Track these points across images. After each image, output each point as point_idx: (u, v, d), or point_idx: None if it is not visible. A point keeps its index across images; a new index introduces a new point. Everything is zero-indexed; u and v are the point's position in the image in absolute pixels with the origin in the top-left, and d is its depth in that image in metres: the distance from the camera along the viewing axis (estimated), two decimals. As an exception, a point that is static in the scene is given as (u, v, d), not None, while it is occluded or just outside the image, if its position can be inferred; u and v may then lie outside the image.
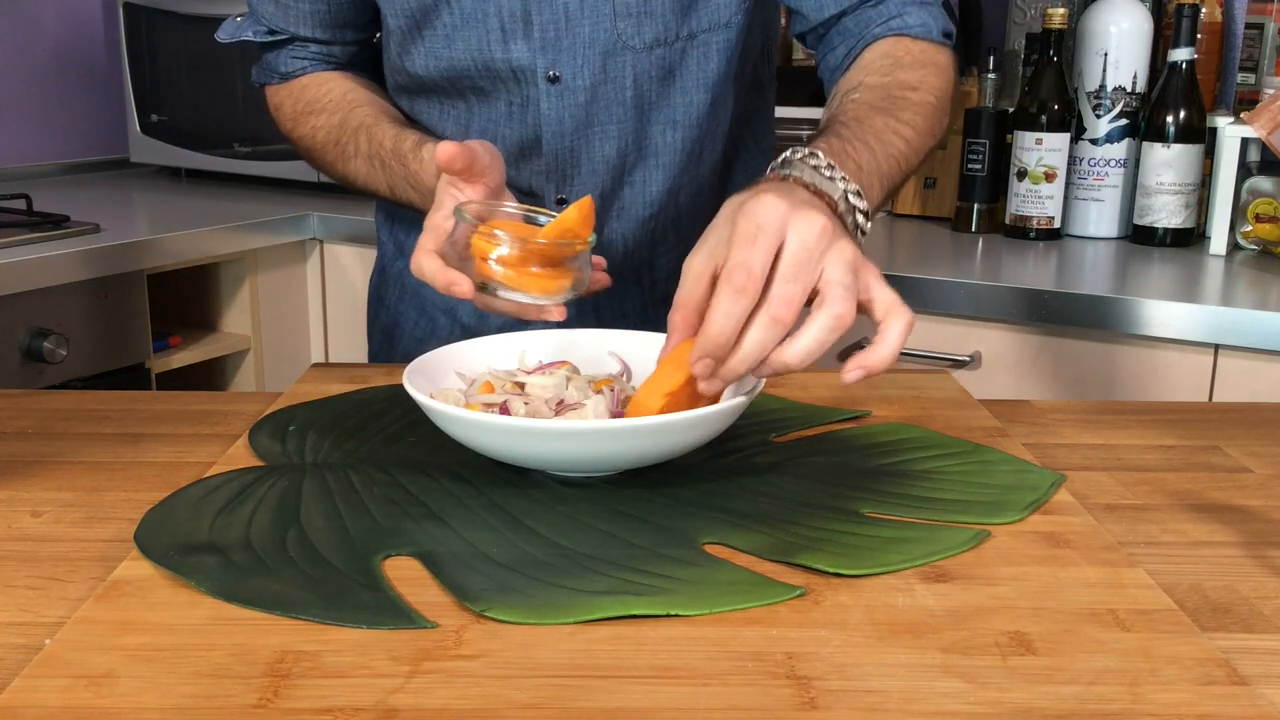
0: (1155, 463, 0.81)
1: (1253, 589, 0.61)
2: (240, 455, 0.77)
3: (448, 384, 0.79)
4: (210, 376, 1.98)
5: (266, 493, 0.69)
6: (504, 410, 0.73)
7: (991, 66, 1.78)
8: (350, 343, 2.03)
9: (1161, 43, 1.79)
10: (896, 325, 0.66)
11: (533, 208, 0.84)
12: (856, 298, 0.64)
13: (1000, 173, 1.80)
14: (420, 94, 1.04)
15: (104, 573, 0.61)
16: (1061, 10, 1.72)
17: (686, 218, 1.05)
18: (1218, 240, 1.66)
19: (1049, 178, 1.75)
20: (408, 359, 0.83)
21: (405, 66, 1.01)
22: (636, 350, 0.83)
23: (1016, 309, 1.46)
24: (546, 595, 0.57)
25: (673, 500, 0.69)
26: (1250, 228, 1.66)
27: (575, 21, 0.95)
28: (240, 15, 1.07)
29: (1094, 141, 1.76)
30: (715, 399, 0.69)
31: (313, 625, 0.54)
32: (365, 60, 1.09)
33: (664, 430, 0.67)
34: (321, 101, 1.04)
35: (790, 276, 0.63)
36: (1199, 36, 1.73)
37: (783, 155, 0.74)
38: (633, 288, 1.08)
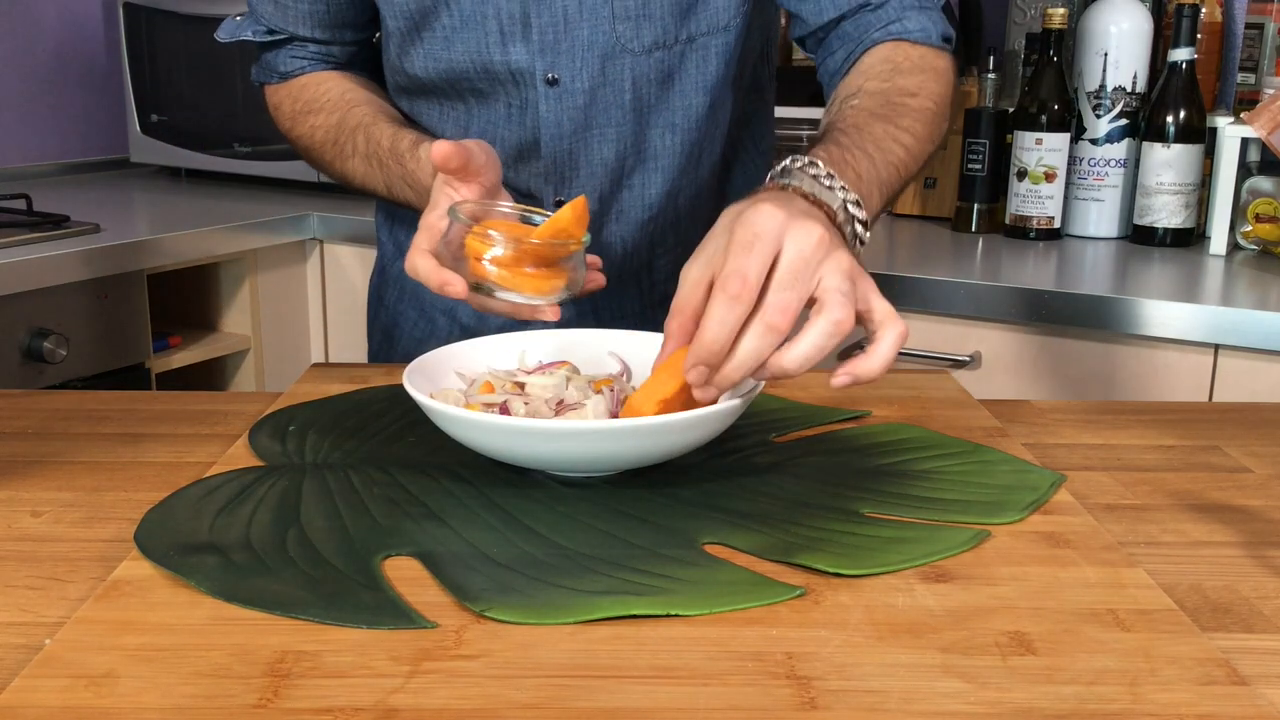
0: (1155, 463, 0.81)
1: (1253, 589, 0.61)
2: (240, 455, 0.77)
3: (448, 384, 0.79)
4: (210, 376, 1.98)
5: (266, 493, 0.69)
6: (504, 410, 0.73)
7: (991, 66, 1.78)
8: (350, 343, 2.03)
9: (1161, 43, 1.79)
10: (890, 335, 0.66)
11: (528, 208, 0.84)
12: (855, 305, 0.64)
13: (1000, 173, 1.80)
14: (419, 95, 1.04)
15: (104, 573, 0.61)
16: (1061, 10, 1.72)
17: (685, 220, 1.05)
18: (1218, 240, 1.66)
19: (1049, 178, 1.75)
20: (407, 359, 0.84)
21: (404, 68, 1.01)
22: (636, 350, 0.83)
23: (1016, 309, 1.46)
24: (546, 595, 0.57)
25: (673, 500, 0.69)
26: (1250, 228, 1.66)
27: (574, 24, 0.95)
28: (240, 15, 1.07)
29: (1094, 141, 1.76)
30: (711, 404, 0.69)
31: (313, 625, 0.54)
32: (364, 60, 1.09)
33: (664, 430, 0.67)
34: (320, 101, 1.04)
35: (786, 284, 0.63)
36: (1199, 36, 1.73)
37: (782, 164, 0.74)
38: (631, 289, 1.08)
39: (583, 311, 1.06)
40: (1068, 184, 1.77)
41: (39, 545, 0.65)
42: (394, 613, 0.55)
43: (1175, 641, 0.54)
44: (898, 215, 1.95)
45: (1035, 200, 1.76)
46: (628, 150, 1.00)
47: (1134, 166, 1.76)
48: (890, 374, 0.67)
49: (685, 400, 0.68)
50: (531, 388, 0.77)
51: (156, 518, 0.66)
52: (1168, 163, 1.69)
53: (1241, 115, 1.59)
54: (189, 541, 0.63)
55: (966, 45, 1.90)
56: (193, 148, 2.28)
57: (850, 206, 0.72)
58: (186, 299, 1.98)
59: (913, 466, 0.76)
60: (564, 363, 0.82)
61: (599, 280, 0.84)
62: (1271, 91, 1.56)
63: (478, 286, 0.77)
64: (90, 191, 2.18)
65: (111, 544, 0.65)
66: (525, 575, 0.59)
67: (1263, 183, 1.66)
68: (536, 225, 0.80)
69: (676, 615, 0.55)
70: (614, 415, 0.73)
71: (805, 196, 0.70)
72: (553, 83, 0.96)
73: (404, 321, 1.15)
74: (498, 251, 0.76)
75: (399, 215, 1.13)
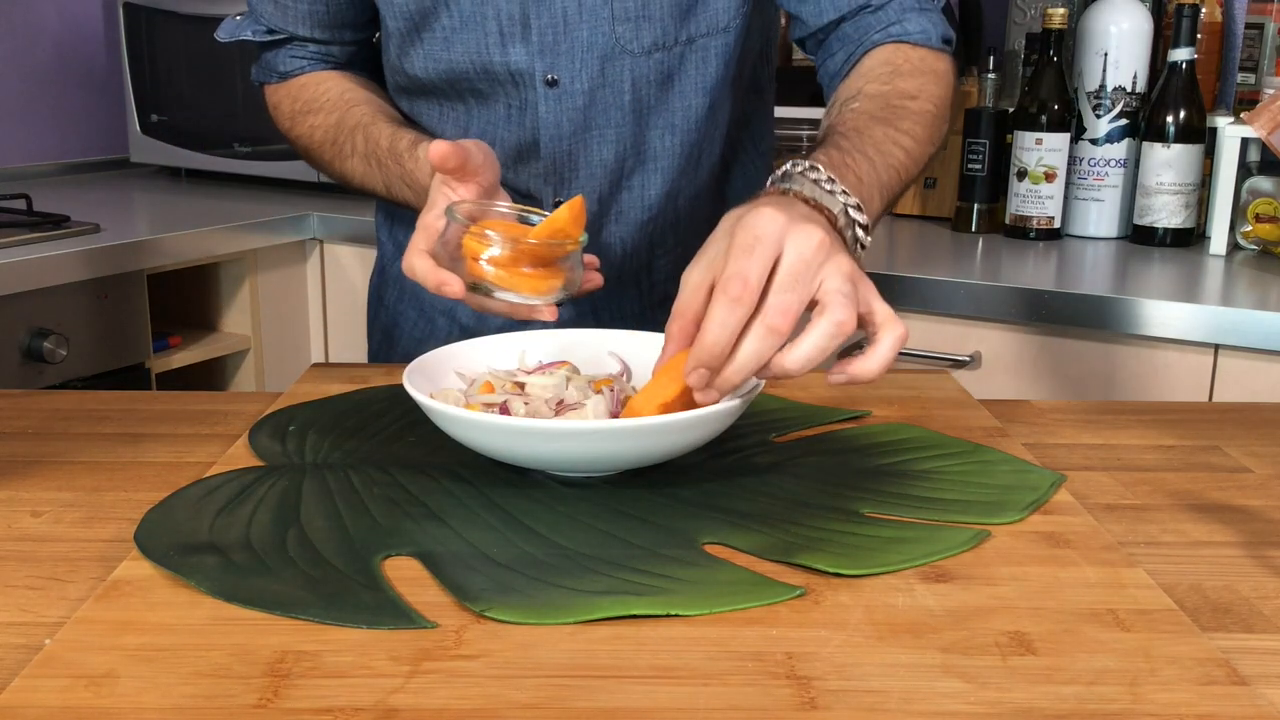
0: (1155, 463, 0.81)
1: (1253, 589, 0.61)
2: (240, 455, 0.77)
3: (448, 384, 0.79)
4: (210, 376, 1.98)
5: (266, 493, 0.69)
6: (504, 410, 0.73)
7: (991, 66, 1.78)
8: (350, 343, 2.03)
9: (1161, 43, 1.79)
10: (889, 337, 0.66)
11: (525, 208, 0.84)
12: (857, 307, 0.64)
13: (1000, 173, 1.81)
14: (419, 95, 1.04)
15: (104, 573, 0.61)
16: (1061, 10, 1.72)
17: (685, 221, 1.05)
18: (1218, 240, 1.66)
19: (1049, 178, 1.75)
20: (407, 359, 0.84)
21: (404, 68, 1.01)
22: (636, 350, 0.83)
23: (1016, 309, 1.46)
24: (546, 595, 0.57)
25: (673, 500, 0.69)
26: (1250, 228, 1.66)
27: (574, 26, 0.95)
28: (240, 14, 1.07)
29: (1094, 141, 1.76)
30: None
31: (313, 625, 0.54)
32: (364, 60, 1.09)
33: (664, 430, 0.67)
34: (319, 100, 1.04)
35: (787, 286, 0.63)
36: (1199, 36, 1.73)
37: (783, 168, 0.74)
38: (631, 290, 1.08)
39: (582, 312, 1.06)
40: (1068, 184, 1.77)
41: (39, 545, 0.65)
42: (394, 613, 0.55)
43: (1175, 641, 0.54)
44: (898, 215, 1.95)
45: (1035, 200, 1.76)
46: (627, 151, 1.00)
47: (1134, 166, 1.76)
48: (890, 374, 0.67)
49: (686, 403, 0.68)
50: (531, 388, 0.77)
51: (156, 518, 0.66)
52: (1168, 163, 1.69)
53: (1241, 115, 1.59)
54: (189, 541, 0.63)
55: (966, 45, 1.90)
56: (193, 148, 2.28)
57: (851, 211, 0.72)
58: (186, 299, 1.98)
59: (913, 466, 0.76)
60: (564, 363, 0.82)
61: (596, 280, 0.84)
62: (1271, 91, 1.56)
63: (475, 286, 0.77)
64: (90, 191, 2.18)
65: (111, 544, 0.65)
66: (525, 575, 0.59)
67: (1263, 183, 1.66)
68: (534, 225, 0.80)
69: (676, 615, 0.55)
70: (614, 415, 0.73)
71: (806, 201, 0.70)
72: (552, 84, 0.96)
73: (404, 322, 1.15)
74: (495, 252, 0.76)
75: (399, 215, 1.13)
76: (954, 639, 0.54)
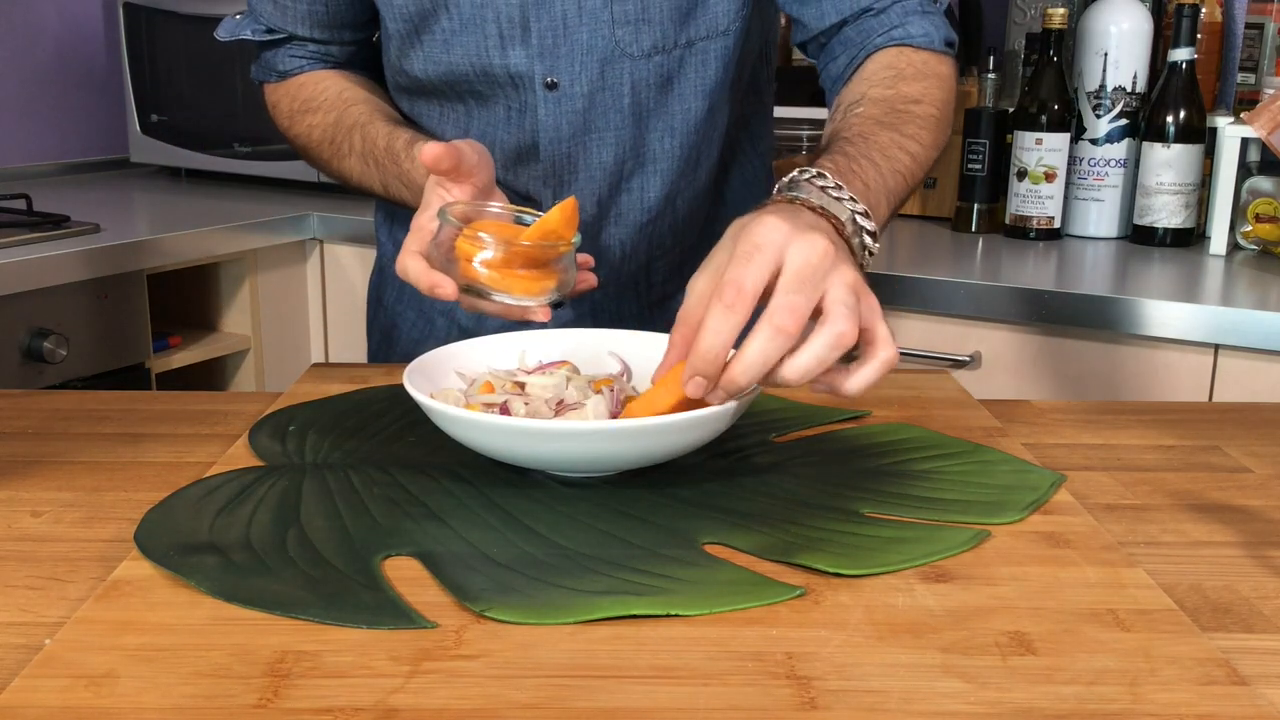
0: (1155, 463, 0.81)
1: (1253, 589, 0.61)
2: (240, 455, 0.77)
3: (448, 384, 0.79)
4: (210, 376, 1.98)
5: (266, 493, 0.69)
6: (504, 410, 0.73)
7: (991, 66, 1.78)
8: (350, 343, 2.03)
9: (1161, 43, 1.79)
10: (878, 360, 0.65)
11: (520, 208, 0.84)
12: (859, 318, 0.63)
13: (1000, 173, 1.81)
14: (420, 95, 1.04)
15: (104, 573, 0.61)
16: (1061, 10, 1.72)
17: (684, 223, 1.05)
18: (1218, 240, 1.66)
19: (1049, 178, 1.75)
20: (406, 359, 0.83)
21: (404, 69, 1.01)
22: (636, 350, 0.83)
23: (1016, 309, 1.46)
24: (546, 595, 0.57)
25: (673, 500, 0.69)
26: (1250, 228, 1.66)
27: (573, 28, 0.95)
28: (239, 13, 1.07)
29: (1094, 141, 1.76)
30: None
31: (313, 625, 0.54)
32: (363, 59, 1.09)
33: (664, 430, 0.67)
34: (317, 100, 1.04)
35: (793, 288, 0.62)
36: (1199, 36, 1.74)
37: (789, 175, 0.73)
38: (630, 292, 1.07)
39: (581, 314, 1.06)
40: (1068, 184, 1.77)
41: (39, 545, 0.65)
42: (394, 613, 0.55)
43: (1175, 641, 0.54)
44: (898, 215, 1.95)
45: (1035, 200, 1.76)
46: (626, 154, 1.00)
47: (1134, 166, 1.76)
48: (890, 374, 0.66)
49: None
50: (531, 388, 0.77)
51: (156, 518, 0.66)
52: (1168, 163, 1.69)
53: (1241, 115, 1.59)
54: (189, 541, 0.63)
55: (966, 45, 1.90)
56: (193, 148, 2.28)
57: (859, 218, 0.71)
58: (186, 299, 1.98)
59: (913, 466, 0.76)
60: (564, 363, 0.82)
61: (590, 280, 0.84)
62: (1271, 91, 1.56)
63: (468, 288, 0.77)
64: (90, 191, 2.18)
65: (111, 544, 0.65)
66: (525, 575, 0.59)
67: (1263, 183, 1.66)
68: (528, 226, 0.80)
69: (676, 615, 0.55)
70: (614, 415, 0.73)
71: (813, 209, 0.69)
72: (552, 86, 0.96)
73: (403, 322, 1.15)
74: (488, 254, 0.76)
75: (399, 215, 1.13)
76: (954, 639, 0.54)
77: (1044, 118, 1.74)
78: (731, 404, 0.68)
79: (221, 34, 1.08)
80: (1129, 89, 1.74)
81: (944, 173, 1.88)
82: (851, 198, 0.71)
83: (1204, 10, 1.75)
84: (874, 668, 0.51)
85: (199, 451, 0.80)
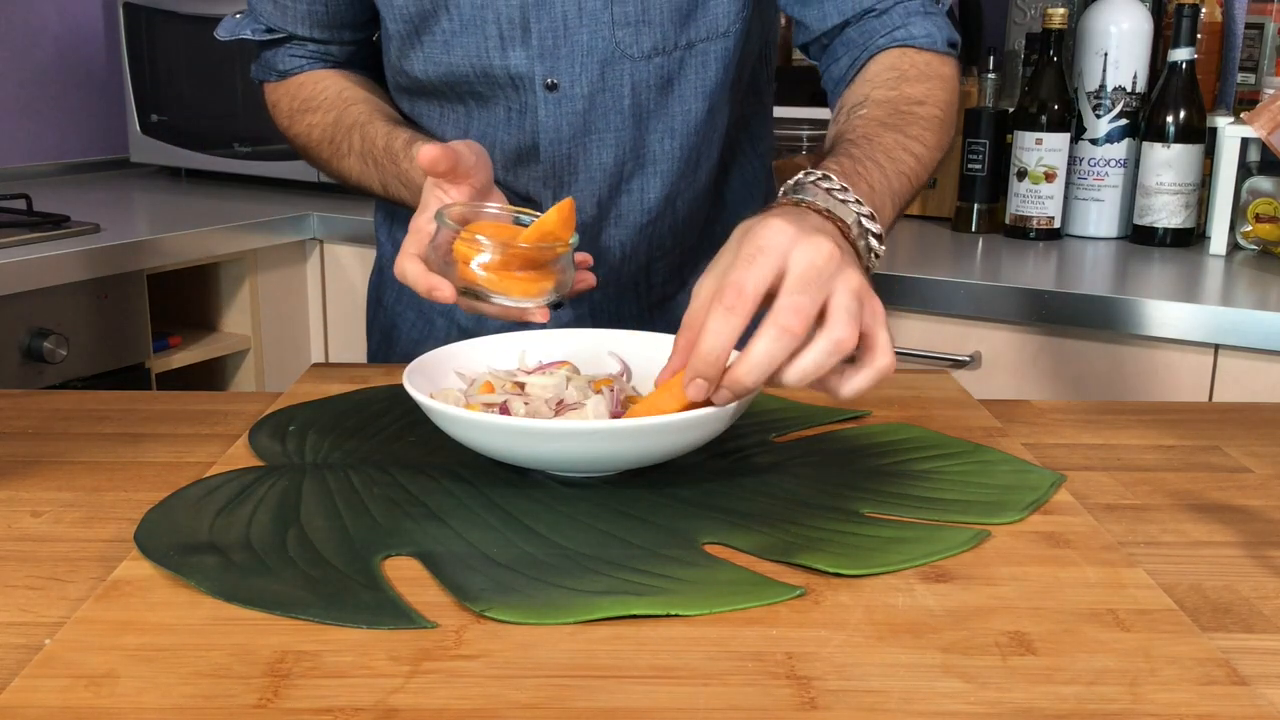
0: (1155, 463, 0.81)
1: (1253, 589, 0.61)
2: (240, 455, 0.77)
3: (448, 384, 0.79)
4: (210, 376, 1.98)
5: (266, 493, 0.69)
6: (504, 410, 0.73)
7: (991, 66, 1.78)
8: (350, 343, 2.03)
9: (1161, 43, 1.79)
10: (874, 367, 0.64)
11: (518, 209, 0.84)
12: (860, 325, 0.63)
13: (1000, 173, 1.81)
14: (420, 96, 1.04)
15: (104, 573, 0.61)
16: (1061, 10, 1.72)
17: (683, 224, 1.05)
18: (1218, 240, 1.66)
19: (1049, 178, 1.75)
20: (406, 360, 0.83)
21: (404, 69, 1.01)
22: (636, 350, 0.83)
23: (1016, 309, 1.46)
24: (546, 595, 0.57)
25: (673, 500, 0.69)
26: (1250, 228, 1.66)
27: (574, 30, 0.94)
28: (239, 13, 1.07)
29: (1094, 141, 1.76)
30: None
31: (313, 625, 0.54)
32: (363, 59, 1.09)
33: (664, 430, 0.67)
34: (317, 99, 1.04)
35: (798, 289, 0.62)
36: (1199, 36, 1.73)
37: (795, 178, 0.73)
38: (629, 294, 1.07)
39: (581, 315, 1.06)
40: (1068, 184, 1.77)
41: (39, 545, 0.65)
42: (394, 613, 0.55)
43: (1175, 641, 0.54)
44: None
45: (1035, 200, 1.76)
46: (626, 155, 1.00)
47: (1134, 166, 1.76)
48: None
49: None
50: (531, 388, 0.77)
51: (156, 518, 0.66)
52: (1168, 163, 1.69)
53: (1241, 115, 1.59)
54: (189, 541, 0.63)
55: (966, 45, 1.90)
56: (193, 148, 2.28)
57: (864, 221, 0.71)
58: (186, 299, 1.98)
59: (913, 466, 0.76)
60: (564, 363, 0.82)
61: (589, 280, 0.84)
62: (1271, 91, 1.56)
63: (466, 290, 0.77)
64: (90, 191, 2.18)
65: (111, 544, 0.65)
66: (525, 575, 0.59)
67: (1263, 183, 1.66)
68: (526, 226, 0.80)
69: (676, 615, 0.55)
70: (614, 415, 0.73)
71: (819, 211, 0.69)
72: (552, 88, 0.96)
73: (402, 323, 1.15)
74: (485, 256, 0.76)
75: (398, 215, 1.13)
76: (954, 639, 0.54)
77: (1044, 118, 1.74)
78: (732, 404, 0.68)
79: (221, 33, 1.08)
80: (1129, 89, 1.74)
81: (944, 173, 1.88)
82: (857, 200, 0.71)
83: (1204, 10, 1.75)
84: (874, 668, 0.51)
85: (199, 451, 0.80)
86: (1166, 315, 1.38)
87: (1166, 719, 0.47)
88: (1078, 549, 0.64)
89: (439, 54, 0.97)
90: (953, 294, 1.49)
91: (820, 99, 0.97)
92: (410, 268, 0.79)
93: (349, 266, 1.99)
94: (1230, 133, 1.62)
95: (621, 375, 0.82)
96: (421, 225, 0.82)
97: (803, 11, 0.97)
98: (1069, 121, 1.74)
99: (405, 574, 0.60)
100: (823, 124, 1.86)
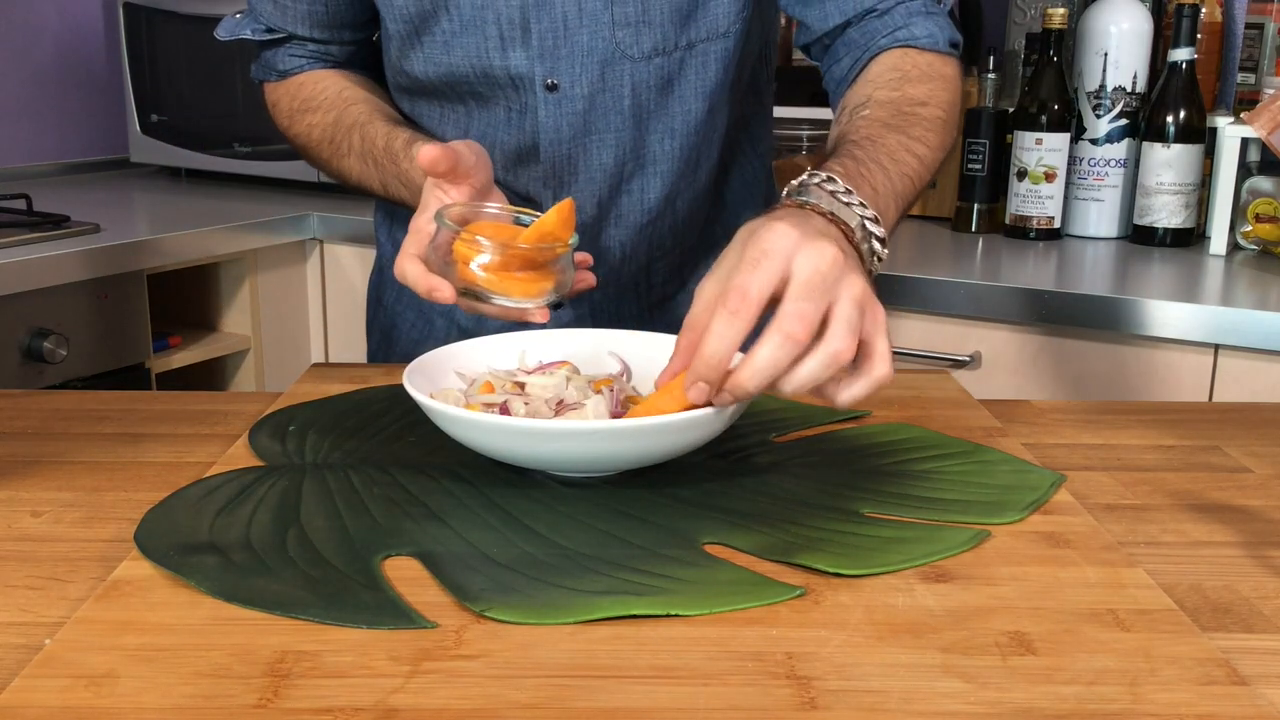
0: (1155, 463, 0.81)
1: (1253, 589, 0.61)
2: (240, 455, 0.77)
3: (448, 384, 0.79)
4: (210, 376, 1.98)
5: (266, 493, 0.69)
6: (504, 410, 0.73)
7: (991, 66, 1.78)
8: (350, 343, 2.03)
9: (1161, 43, 1.79)
10: (870, 377, 0.64)
11: (518, 209, 0.84)
12: (859, 335, 0.63)
13: (1000, 173, 1.81)
14: (420, 96, 1.04)
15: (104, 573, 0.61)
16: (1061, 10, 1.72)
17: (683, 224, 1.05)
18: (1218, 240, 1.66)
19: (1049, 178, 1.75)
20: (406, 360, 0.83)
21: (404, 69, 1.01)
22: (636, 350, 0.83)
23: (1016, 309, 1.46)
24: (546, 595, 0.57)
25: (673, 500, 0.69)
26: (1250, 228, 1.66)
27: (574, 30, 0.94)
28: (239, 13, 1.07)
29: (1094, 141, 1.76)
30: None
31: (313, 625, 0.54)
32: (363, 59, 1.09)
33: (664, 430, 0.67)
34: (317, 99, 1.04)
35: (802, 295, 0.61)
36: (1199, 36, 1.74)
37: (799, 179, 0.73)
38: (630, 294, 1.07)
39: (581, 315, 1.06)
40: (1068, 184, 1.77)
41: (39, 545, 0.65)
42: (394, 613, 0.55)
43: (1175, 641, 0.54)
44: (898, 215, 1.95)
45: (1035, 200, 1.76)
46: (626, 155, 1.00)
47: (1134, 166, 1.76)
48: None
49: None
50: (531, 388, 0.77)
51: (156, 518, 0.66)
52: (1168, 163, 1.69)
53: (1241, 115, 1.59)
54: (189, 541, 0.63)
55: (967, 45, 1.90)
56: (193, 148, 2.28)
57: (868, 224, 0.71)
58: (186, 299, 1.98)
59: (913, 466, 0.76)
60: (564, 363, 0.82)
61: (589, 280, 0.84)
62: (1271, 91, 1.56)
63: (466, 291, 0.77)
64: (90, 191, 2.18)
65: (111, 544, 0.65)
66: (525, 575, 0.59)
67: (1263, 183, 1.66)
68: (526, 226, 0.80)
69: (676, 615, 0.55)
70: (614, 415, 0.73)
71: (823, 214, 0.69)
72: (552, 88, 0.96)
73: (402, 323, 1.15)
74: (485, 257, 0.76)
75: (398, 215, 1.13)
76: (954, 639, 0.54)
77: (1044, 118, 1.74)
78: (731, 405, 0.68)
79: (221, 33, 1.08)
80: (1129, 89, 1.74)
81: (944, 173, 1.86)
82: (861, 203, 0.71)
83: (1204, 10, 1.75)
84: (874, 668, 0.51)
85: (199, 451, 0.80)
86: (1167, 315, 1.38)
87: (1166, 719, 0.47)
88: (1078, 549, 0.64)
89: (439, 54, 0.97)
90: (953, 294, 1.49)
91: (821, 99, 0.97)
92: (410, 268, 0.79)
93: (349, 266, 1.99)
94: (1230, 133, 1.62)
95: (621, 375, 0.82)
96: (421, 225, 0.82)
97: (804, 12, 0.97)
98: (1069, 121, 1.75)
99: (405, 574, 0.60)
100: (823, 124, 1.86)
